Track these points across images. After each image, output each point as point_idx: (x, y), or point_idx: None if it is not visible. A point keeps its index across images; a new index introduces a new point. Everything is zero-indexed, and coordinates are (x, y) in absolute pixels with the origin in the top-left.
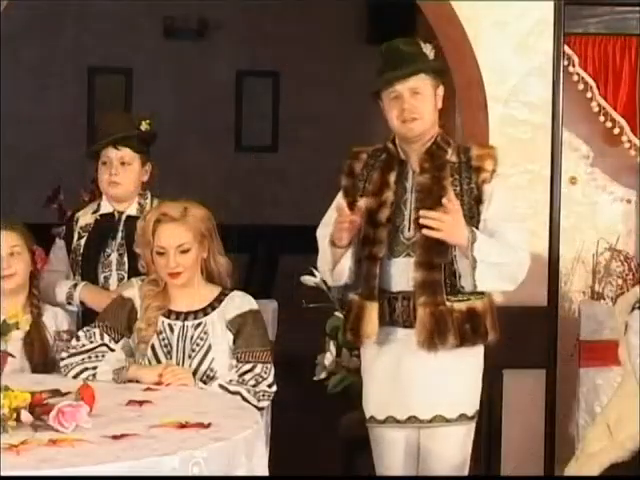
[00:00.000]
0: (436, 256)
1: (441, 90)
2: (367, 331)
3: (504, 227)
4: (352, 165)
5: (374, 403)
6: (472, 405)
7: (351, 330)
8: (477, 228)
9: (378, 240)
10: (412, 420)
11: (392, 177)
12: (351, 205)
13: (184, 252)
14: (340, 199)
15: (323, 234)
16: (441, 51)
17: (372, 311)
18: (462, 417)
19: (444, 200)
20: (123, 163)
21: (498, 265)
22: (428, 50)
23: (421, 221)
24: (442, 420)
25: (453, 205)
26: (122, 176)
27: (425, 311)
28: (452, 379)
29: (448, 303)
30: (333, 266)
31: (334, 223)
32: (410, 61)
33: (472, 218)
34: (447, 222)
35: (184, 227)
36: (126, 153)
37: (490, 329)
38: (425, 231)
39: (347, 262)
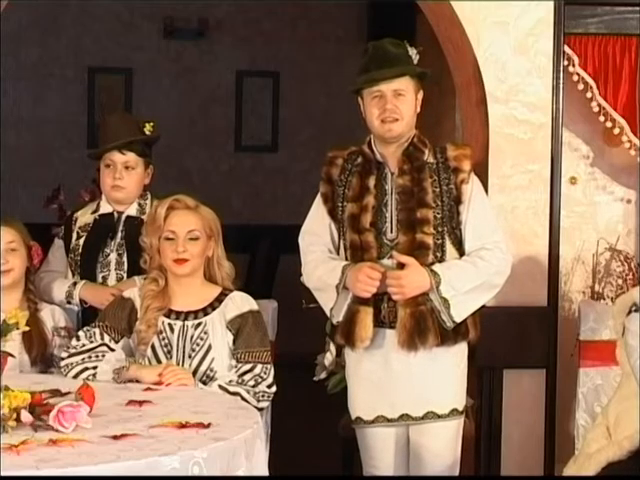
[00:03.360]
0: (418, 258)
1: (421, 94)
2: (362, 336)
3: (482, 230)
4: (329, 171)
5: (361, 404)
6: (462, 400)
7: (344, 334)
8: (457, 228)
9: (367, 245)
10: (404, 418)
11: (371, 181)
12: (331, 211)
13: (193, 239)
14: (322, 207)
15: (308, 242)
16: (425, 57)
17: (367, 316)
18: (454, 412)
19: (394, 253)
20: (127, 167)
21: (475, 289)
22: (413, 54)
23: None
24: (434, 417)
25: (405, 260)
26: (126, 180)
27: (405, 311)
28: (441, 376)
29: (429, 303)
30: (335, 305)
31: (361, 280)
32: (396, 62)
33: (452, 219)
34: (403, 279)
35: (196, 216)
36: (131, 157)
37: (471, 327)
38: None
39: (347, 301)
